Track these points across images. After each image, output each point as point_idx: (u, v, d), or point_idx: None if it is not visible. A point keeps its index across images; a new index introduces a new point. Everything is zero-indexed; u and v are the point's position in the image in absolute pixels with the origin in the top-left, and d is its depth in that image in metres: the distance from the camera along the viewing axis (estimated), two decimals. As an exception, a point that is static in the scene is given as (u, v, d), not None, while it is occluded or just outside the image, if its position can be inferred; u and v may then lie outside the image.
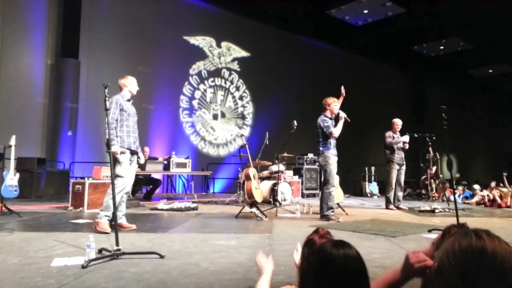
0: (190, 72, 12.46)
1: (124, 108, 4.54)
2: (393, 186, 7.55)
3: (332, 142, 5.80)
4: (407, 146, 7.68)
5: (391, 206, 7.46)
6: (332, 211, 5.64)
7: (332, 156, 5.74)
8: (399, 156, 7.62)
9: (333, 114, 5.84)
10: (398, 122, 7.78)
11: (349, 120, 5.77)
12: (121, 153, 4.36)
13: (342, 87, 6.06)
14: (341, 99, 6.06)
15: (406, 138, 7.70)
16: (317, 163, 6.10)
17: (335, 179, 5.78)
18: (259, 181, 6.65)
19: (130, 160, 4.57)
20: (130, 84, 4.71)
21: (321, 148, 5.79)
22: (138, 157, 4.72)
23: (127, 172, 4.44)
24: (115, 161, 4.36)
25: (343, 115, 5.75)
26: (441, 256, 0.84)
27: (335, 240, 1.27)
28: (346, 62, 15.87)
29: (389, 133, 7.75)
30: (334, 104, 5.86)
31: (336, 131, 5.73)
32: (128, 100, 4.67)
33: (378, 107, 15.60)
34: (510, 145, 21.52)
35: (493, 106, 22.33)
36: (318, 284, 1.16)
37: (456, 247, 0.82)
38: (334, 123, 5.83)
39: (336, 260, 1.16)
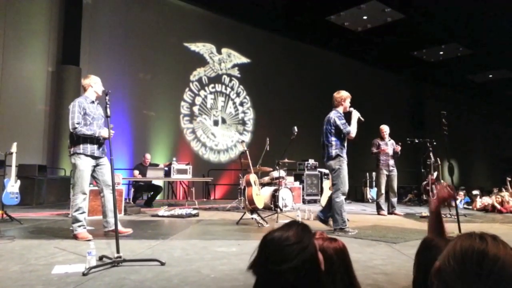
0: (191, 79, 12.50)
1: (88, 111, 4.33)
2: (383, 192, 7.53)
3: (345, 144, 5.11)
4: (397, 148, 7.65)
5: (382, 212, 7.43)
6: (346, 223, 4.96)
7: (345, 160, 5.02)
8: (385, 162, 7.59)
9: (345, 112, 5.17)
10: (384, 129, 7.79)
11: (362, 119, 5.11)
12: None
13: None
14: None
15: (397, 147, 7.66)
16: (328, 166, 5.12)
17: (347, 187, 5.03)
18: (260, 187, 6.65)
19: (99, 165, 4.45)
20: (96, 84, 4.46)
21: (334, 151, 4.99)
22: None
23: (85, 179, 4.33)
24: (74, 168, 4.34)
25: (357, 113, 5.09)
26: (443, 256, 0.83)
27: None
28: (345, 68, 15.91)
29: (375, 141, 7.76)
30: (349, 99, 5.17)
31: (353, 130, 5.01)
32: (93, 102, 4.44)
33: (378, 112, 15.57)
34: (511, 150, 21.51)
35: (493, 111, 22.35)
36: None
37: (457, 248, 0.80)
38: None
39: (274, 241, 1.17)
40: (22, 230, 4.86)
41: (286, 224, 1.22)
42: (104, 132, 4.32)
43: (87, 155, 4.32)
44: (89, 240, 4.01)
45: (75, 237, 4.23)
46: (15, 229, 4.89)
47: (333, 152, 5.00)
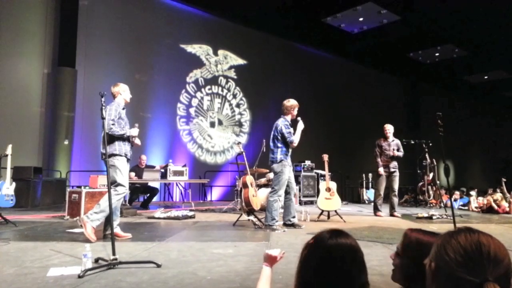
0: (187, 80, 12.49)
1: (122, 116, 4.49)
2: (380, 193, 7.48)
3: (290, 150, 5.47)
4: (396, 153, 7.52)
5: (379, 213, 7.39)
6: (276, 221, 5.32)
7: (288, 165, 5.38)
8: (384, 163, 7.50)
9: (292, 119, 5.52)
10: (386, 127, 7.69)
11: (303, 126, 5.46)
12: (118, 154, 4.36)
13: None
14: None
15: (395, 153, 7.53)
16: (271, 169, 5.51)
17: (283, 190, 5.39)
18: (257, 189, 6.64)
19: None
20: (124, 92, 4.63)
21: (279, 156, 5.35)
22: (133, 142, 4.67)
23: (127, 180, 4.44)
24: (114, 170, 4.34)
25: (302, 124, 5.45)
26: (439, 254, 0.94)
27: (331, 230, 1.32)
28: (342, 70, 15.95)
29: (378, 142, 7.66)
30: (297, 108, 5.54)
31: (296, 139, 5.37)
32: (123, 108, 4.59)
33: (374, 114, 15.65)
34: (506, 151, 21.62)
35: (489, 112, 22.46)
36: (318, 276, 1.19)
37: (454, 242, 0.92)
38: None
39: (333, 250, 1.23)
40: (17, 232, 4.83)
41: (338, 232, 1.33)
42: (133, 132, 4.48)
43: (122, 156, 4.38)
44: (89, 242, 3.99)
45: (82, 221, 4.16)
46: (10, 231, 4.86)
47: (278, 157, 5.35)
